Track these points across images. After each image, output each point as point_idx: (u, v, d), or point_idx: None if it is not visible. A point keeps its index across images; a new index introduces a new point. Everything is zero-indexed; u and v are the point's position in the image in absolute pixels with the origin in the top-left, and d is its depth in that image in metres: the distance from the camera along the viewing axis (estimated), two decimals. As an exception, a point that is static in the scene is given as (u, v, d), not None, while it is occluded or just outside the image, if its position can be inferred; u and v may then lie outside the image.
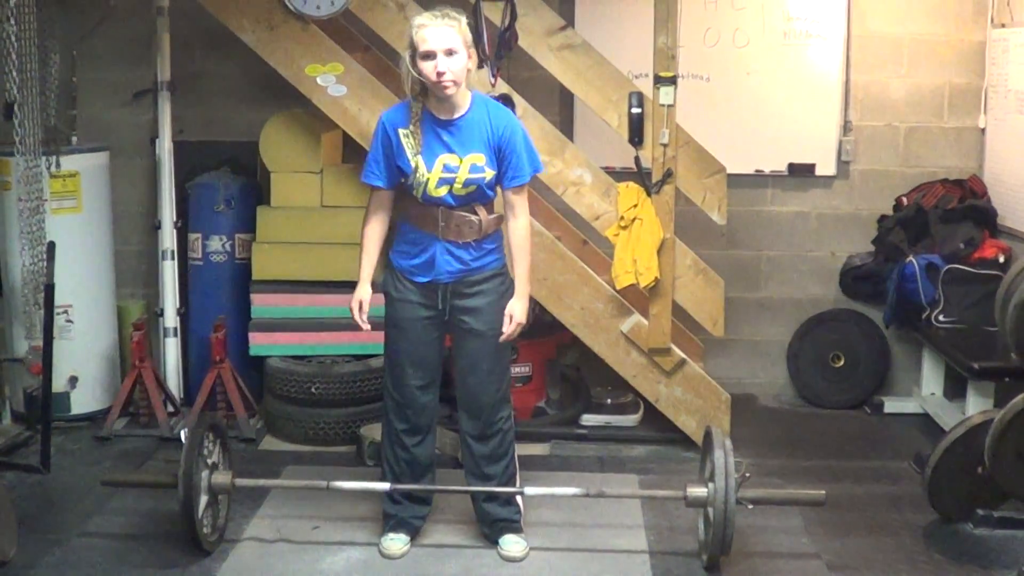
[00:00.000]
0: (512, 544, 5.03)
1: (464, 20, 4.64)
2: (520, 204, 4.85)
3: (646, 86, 6.09)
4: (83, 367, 6.61)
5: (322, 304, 6.49)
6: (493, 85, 6.04)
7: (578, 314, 6.18)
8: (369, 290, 4.94)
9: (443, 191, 4.73)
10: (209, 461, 5.04)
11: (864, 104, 7.15)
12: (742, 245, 7.26)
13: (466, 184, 4.72)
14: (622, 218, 6.00)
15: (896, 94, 7.15)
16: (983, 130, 7.12)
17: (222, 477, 5.05)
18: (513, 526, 5.11)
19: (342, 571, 4.90)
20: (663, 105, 5.88)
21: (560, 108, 7.08)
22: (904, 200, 7.13)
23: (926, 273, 6.72)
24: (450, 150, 4.70)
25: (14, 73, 5.75)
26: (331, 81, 6.12)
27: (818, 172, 7.19)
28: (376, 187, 4.85)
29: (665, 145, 5.92)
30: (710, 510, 4.81)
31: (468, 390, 4.98)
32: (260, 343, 6.57)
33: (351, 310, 4.94)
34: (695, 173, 6.22)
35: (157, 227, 6.84)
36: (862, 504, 5.67)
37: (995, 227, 6.91)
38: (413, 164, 4.69)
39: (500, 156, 4.75)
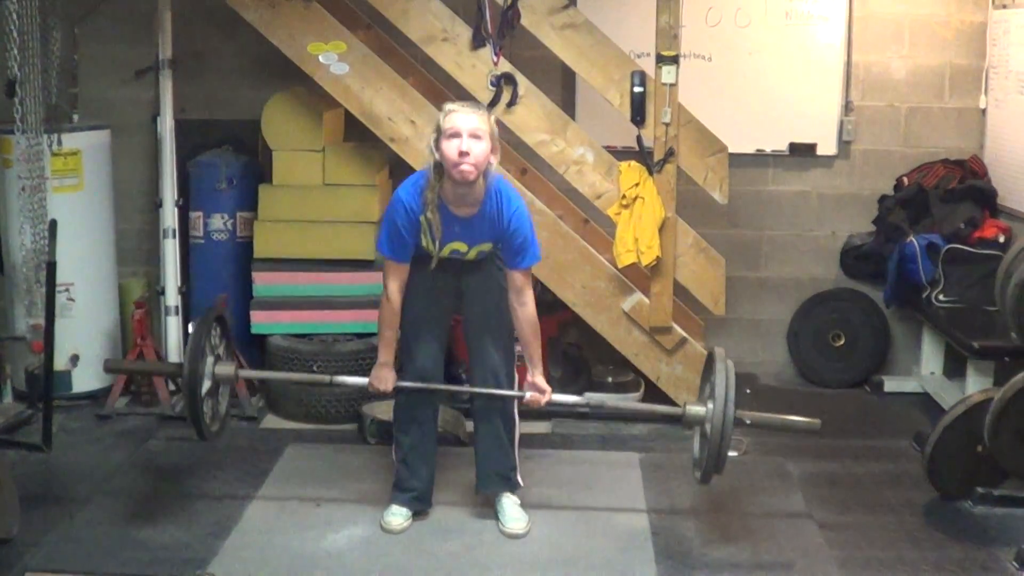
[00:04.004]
0: (514, 521, 5.05)
1: (493, 116, 4.85)
2: (526, 289, 4.99)
3: (648, 65, 6.09)
4: (85, 345, 6.62)
5: (324, 282, 6.51)
6: (495, 64, 6.04)
7: (579, 293, 6.19)
8: (392, 374, 5.05)
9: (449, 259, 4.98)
10: (216, 351, 5.09)
11: (865, 84, 7.16)
12: (743, 224, 7.27)
13: (474, 262, 5.00)
14: (624, 197, 6.01)
15: (897, 74, 7.16)
16: (984, 111, 7.12)
17: (226, 368, 5.08)
18: (508, 483, 5.15)
19: (345, 549, 4.91)
20: (665, 84, 5.91)
21: (562, 87, 7.08)
22: (905, 180, 7.13)
23: (926, 253, 6.73)
24: (460, 239, 4.89)
25: (15, 51, 5.73)
26: (333, 59, 6.13)
27: (819, 152, 7.20)
28: (395, 262, 4.96)
29: (667, 124, 5.94)
30: (707, 426, 4.76)
31: (478, 330, 5.12)
32: (262, 321, 6.57)
33: (371, 385, 5.04)
34: (697, 152, 6.22)
35: (158, 205, 6.82)
36: (862, 482, 5.70)
37: (995, 207, 6.92)
38: (424, 245, 4.89)
39: (503, 243, 4.93)
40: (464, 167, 4.64)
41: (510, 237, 4.88)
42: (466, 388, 5.19)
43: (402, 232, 4.85)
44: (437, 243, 4.85)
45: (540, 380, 5.02)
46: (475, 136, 4.66)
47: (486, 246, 4.94)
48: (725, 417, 4.67)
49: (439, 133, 4.72)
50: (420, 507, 5.17)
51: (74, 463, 5.85)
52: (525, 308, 4.97)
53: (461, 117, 4.69)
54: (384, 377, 5.01)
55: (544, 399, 5.01)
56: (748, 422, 4.87)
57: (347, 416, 6.32)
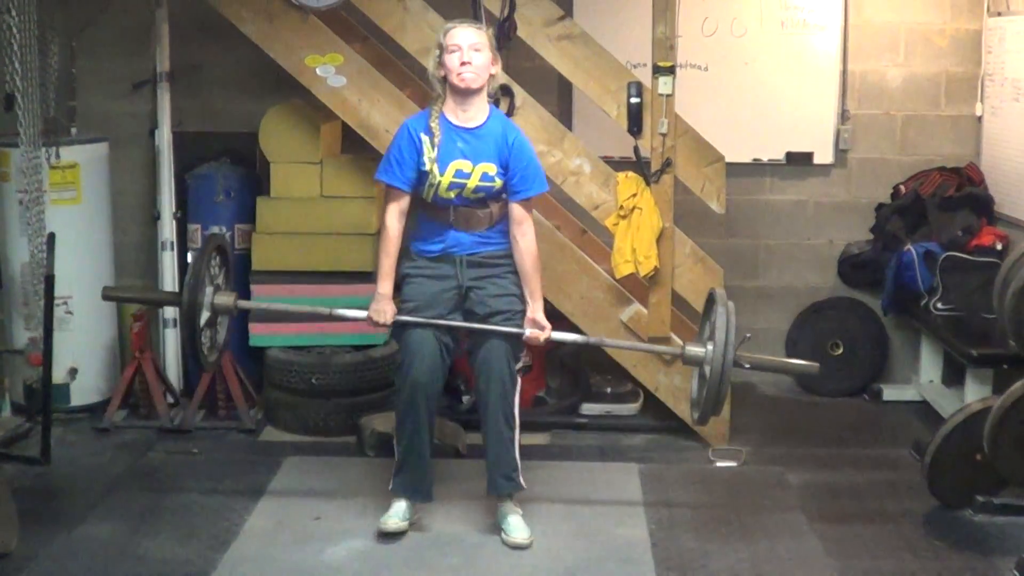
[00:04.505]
0: (517, 531, 5.03)
1: (491, 31, 5.06)
2: (527, 220, 5.06)
3: (645, 76, 6.10)
4: (83, 358, 6.61)
5: (322, 295, 6.47)
6: (492, 75, 6.03)
7: (578, 303, 6.19)
8: (391, 306, 5.05)
9: (453, 194, 4.97)
10: (216, 283, 5.13)
11: (861, 93, 7.17)
12: (741, 234, 7.28)
13: (476, 191, 4.96)
14: (621, 207, 6.02)
15: (893, 82, 7.17)
16: (980, 118, 7.13)
17: (225, 298, 5.10)
18: (512, 483, 5.12)
19: (344, 561, 4.90)
20: (662, 95, 5.91)
21: (559, 98, 7.09)
22: (902, 188, 7.14)
23: (924, 261, 6.73)
24: (464, 156, 4.93)
25: (15, 64, 5.76)
26: (330, 72, 6.13)
27: (816, 160, 7.21)
28: (394, 187, 5.01)
29: (664, 135, 5.94)
30: (707, 368, 4.81)
31: (484, 344, 5.04)
32: (260, 333, 6.56)
33: (370, 319, 5.04)
34: (694, 162, 6.22)
35: (156, 218, 6.84)
36: (862, 492, 5.70)
37: (992, 215, 6.93)
38: (428, 167, 4.91)
39: (508, 169, 4.97)
40: (466, 75, 4.86)
41: (514, 158, 4.96)
42: (465, 324, 5.08)
43: (402, 151, 4.96)
44: (439, 153, 4.90)
45: (540, 316, 5.06)
46: (475, 49, 4.87)
47: (490, 167, 4.94)
48: (725, 359, 4.71)
49: (441, 50, 4.92)
50: (418, 498, 5.16)
51: (72, 476, 5.84)
52: (526, 238, 5.04)
53: (461, 33, 4.90)
54: (383, 310, 5.04)
55: (544, 335, 5.04)
56: (747, 366, 4.90)
57: (346, 428, 6.31)
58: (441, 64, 4.92)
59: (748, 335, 4.89)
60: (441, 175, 4.91)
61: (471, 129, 4.96)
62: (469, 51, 4.85)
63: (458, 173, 4.92)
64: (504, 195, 5.04)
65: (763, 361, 5.14)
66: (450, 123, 4.96)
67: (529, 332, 5.02)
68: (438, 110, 4.97)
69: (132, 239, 7.25)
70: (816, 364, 5.13)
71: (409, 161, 4.95)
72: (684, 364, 5.06)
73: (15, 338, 6.53)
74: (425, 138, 4.92)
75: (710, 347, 4.79)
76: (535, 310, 5.05)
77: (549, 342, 5.13)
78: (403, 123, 5.08)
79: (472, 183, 4.94)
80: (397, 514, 5.10)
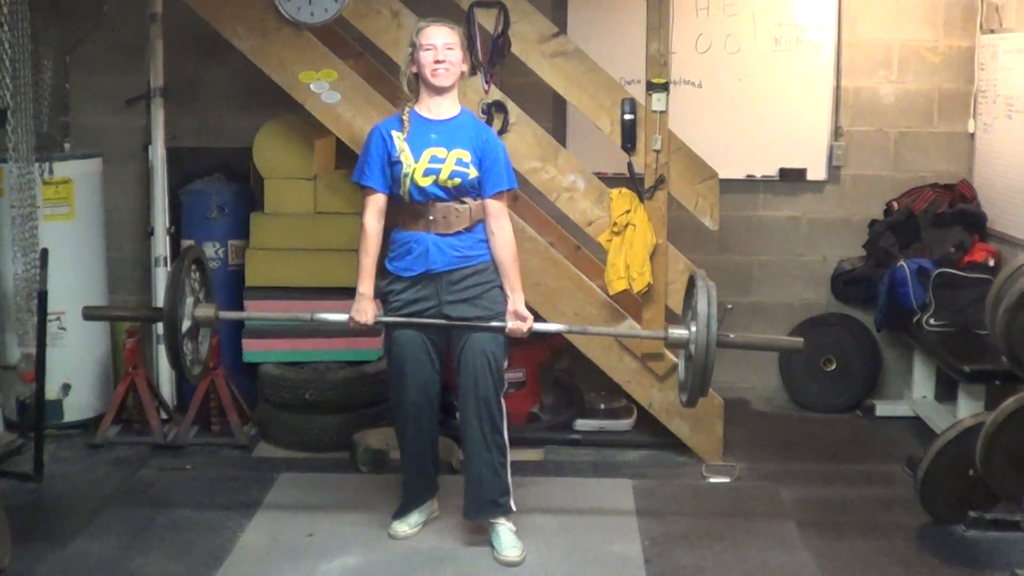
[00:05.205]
0: (509, 549, 5.03)
1: (461, 30, 5.14)
2: (503, 214, 5.08)
3: (639, 92, 6.10)
4: (76, 374, 6.60)
5: (316, 310, 6.49)
6: (486, 92, 6.05)
7: (571, 320, 6.18)
8: (372, 306, 5.06)
9: (429, 181, 4.96)
10: (197, 295, 5.15)
11: (855, 109, 7.19)
12: (734, 250, 7.29)
13: (452, 176, 4.96)
14: (615, 224, 6.02)
15: (886, 99, 7.19)
16: (972, 135, 7.15)
17: (205, 310, 5.11)
18: (499, 508, 5.11)
19: (337, 578, 4.91)
20: (655, 111, 5.93)
21: (553, 114, 7.11)
22: (895, 205, 7.16)
23: (917, 277, 6.74)
24: (438, 144, 4.98)
25: (7, 79, 5.76)
26: (324, 88, 6.13)
27: (809, 177, 7.22)
28: (369, 188, 5.03)
29: (658, 151, 5.96)
30: (691, 347, 4.82)
31: (469, 362, 5.05)
32: (254, 349, 6.56)
33: (351, 319, 5.05)
34: (687, 179, 6.23)
35: (150, 234, 6.84)
36: (855, 507, 5.70)
37: (984, 231, 6.95)
38: (400, 157, 4.94)
39: (482, 164, 5.01)
40: (440, 71, 4.95)
41: (489, 152, 5.02)
42: (447, 322, 5.05)
43: (371, 151, 5.02)
44: (411, 141, 4.95)
45: (521, 308, 5.06)
46: (449, 48, 4.97)
47: (464, 153, 4.97)
48: (709, 336, 4.71)
49: (414, 48, 5.00)
50: (427, 497, 5.28)
51: (66, 493, 5.83)
52: (503, 231, 5.06)
53: (434, 31, 4.99)
54: (364, 309, 5.05)
55: (526, 327, 5.04)
56: (731, 336, 4.90)
57: (339, 444, 6.29)
58: (414, 61, 5.00)
59: (729, 306, 4.91)
60: (416, 161, 4.93)
61: (443, 120, 5.03)
62: (443, 50, 4.95)
63: (433, 159, 4.95)
64: (479, 193, 5.05)
65: (748, 338, 5.15)
66: (422, 117, 5.03)
67: (511, 324, 5.02)
68: (409, 107, 5.05)
69: (126, 255, 7.25)
70: (800, 340, 5.15)
71: (379, 159, 5.00)
72: (669, 348, 5.05)
73: (8, 354, 6.51)
74: (395, 133, 4.98)
75: (693, 328, 4.80)
76: (515, 302, 5.06)
77: (531, 332, 5.10)
78: (375, 126, 5.14)
79: (447, 167, 4.95)
80: (407, 521, 5.21)
